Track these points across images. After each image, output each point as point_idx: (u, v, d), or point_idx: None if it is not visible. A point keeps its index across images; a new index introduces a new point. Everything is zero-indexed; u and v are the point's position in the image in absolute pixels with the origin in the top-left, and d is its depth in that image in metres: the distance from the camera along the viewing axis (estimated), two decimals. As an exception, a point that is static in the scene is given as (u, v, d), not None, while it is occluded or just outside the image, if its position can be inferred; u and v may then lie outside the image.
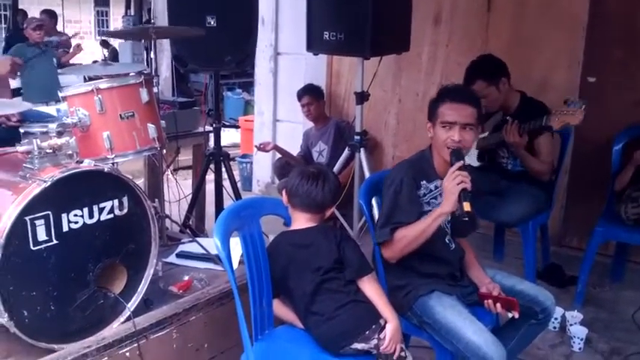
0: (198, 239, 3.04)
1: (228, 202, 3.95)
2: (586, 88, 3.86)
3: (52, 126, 2.25)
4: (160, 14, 6.51)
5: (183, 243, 3.08)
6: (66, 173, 2.12)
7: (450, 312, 2.27)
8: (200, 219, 3.98)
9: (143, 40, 10.70)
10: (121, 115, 2.45)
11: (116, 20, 18.46)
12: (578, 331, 3.04)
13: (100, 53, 10.96)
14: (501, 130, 3.26)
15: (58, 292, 2.16)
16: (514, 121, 3.18)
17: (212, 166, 3.74)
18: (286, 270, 2.25)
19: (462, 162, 2.26)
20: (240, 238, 2.21)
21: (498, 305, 2.31)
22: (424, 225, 2.28)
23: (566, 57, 3.91)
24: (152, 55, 4.32)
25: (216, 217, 3.81)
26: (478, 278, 2.48)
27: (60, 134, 2.24)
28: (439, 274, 2.39)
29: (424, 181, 2.38)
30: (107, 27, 22.25)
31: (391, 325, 2.15)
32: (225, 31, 3.44)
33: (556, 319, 3.13)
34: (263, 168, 5.39)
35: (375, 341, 2.13)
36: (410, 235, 2.29)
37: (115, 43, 11.95)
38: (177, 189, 3.76)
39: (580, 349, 3.02)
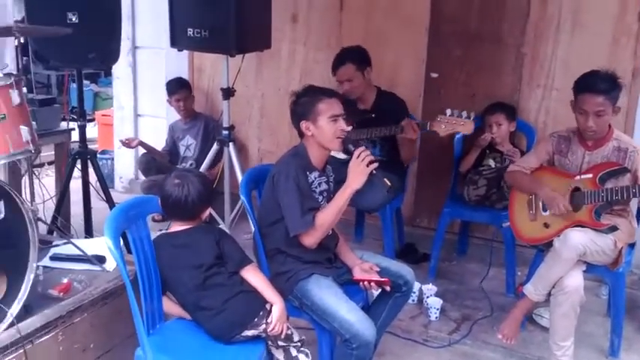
0: (73, 240, 3.00)
1: (94, 201, 3.90)
2: (429, 83, 4.27)
3: None
4: (2, 4, 6.10)
5: (57, 245, 3.02)
6: (-61, 181, 2.05)
7: (326, 293, 2.50)
8: (67, 219, 3.87)
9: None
10: (-9, 118, 2.38)
11: None
12: (434, 302, 3.41)
13: None
14: (367, 126, 3.59)
15: (-64, 303, 2.08)
16: (410, 120, 3.49)
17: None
18: (168, 269, 2.34)
19: (363, 146, 2.52)
20: (129, 237, 2.26)
21: (373, 284, 2.58)
22: (340, 203, 2.51)
23: (412, 55, 4.28)
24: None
25: (85, 216, 3.80)
26: (351, 259, 2.74)
27: None
28: (318, 259, 2.61)
29: (307, 172, 2.58)
30: None
31: (277, 307, 2.32)
32: (87, 27, 3.35)
33: (414, 292, 3.47)
34: (125, 164, 5.32)
35: (263, 326, 2.29)
36: (329, 218, 2.51)
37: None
38: (41, 189, 3.64)
39: (436, 317, 3.40)
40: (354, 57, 3.71)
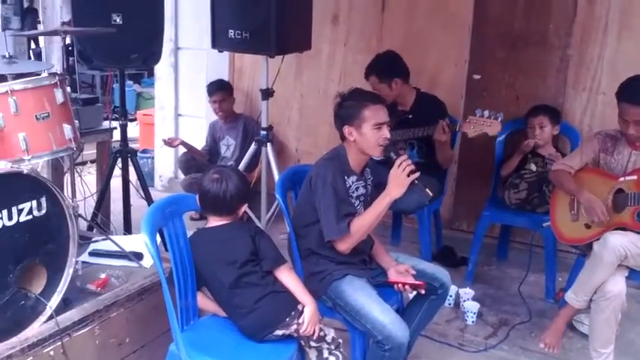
0: (112, 237, 3.06)
1: (134, 199, 3.98)
2: (472, 85, 4.20)
3: (-35, 128, 2.21)
4: (49, 5, 6.28)
5: (96, 241, 3.08)
6: (-15, 176, 2.11)
7: (360, 294, 2.48)
8: (107, 216, 3.95)
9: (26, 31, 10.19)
10: (36, 116, 2.43)
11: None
12: (471, 306, 3.36)
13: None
14: (404, 127, 3.57)
15: (-21, 294, 2.15)
16: (441, 122, 3.45)
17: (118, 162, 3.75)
18: (204, 264, 2.36)
19: (405, 155, 2.48)
20: (165, 234, 2.29)
21: (407, 287, 2.55)
22: (378, 211, 2.49)
23: (454, 56, 4.22)
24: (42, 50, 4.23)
25: (124, 214, 3.88)
26: (385, 261, 2.72)
27: (-26, 137, 2.21)
28: (352, 261, 2.60)
29: (345, 177, 2.57)
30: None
31: (309, 308, 2.31)
32: (131, 28, 3.43)
33: (450, 296, 3.41)
34: (165, 163, 5.40)
35: (294, 326, 2.29)
36: (366, 225, 2.50)
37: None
38: (82, 187, 3.72)
39: (473, 322, 3.35)
40: (378, 69, 3.70)
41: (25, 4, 11.77)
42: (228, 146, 4.71)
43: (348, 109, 2.55)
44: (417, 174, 2.44)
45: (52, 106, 2.50)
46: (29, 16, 11.74)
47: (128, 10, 3.46)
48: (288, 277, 2.36)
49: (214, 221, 2.42)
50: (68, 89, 2.75)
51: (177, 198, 2.48)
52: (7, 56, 2.72)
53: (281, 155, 4.68)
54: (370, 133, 2.51)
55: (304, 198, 2.63)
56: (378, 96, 2.65)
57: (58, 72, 2.64)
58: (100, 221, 3.74)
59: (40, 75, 2.58)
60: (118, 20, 3.43)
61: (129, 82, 9.13)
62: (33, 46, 12.01)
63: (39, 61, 5.45)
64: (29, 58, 9.93)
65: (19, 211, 2.24)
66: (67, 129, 2.54)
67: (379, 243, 2.80)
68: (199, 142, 4.82)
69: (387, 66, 3.70)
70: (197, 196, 2.42)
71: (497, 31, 4.10)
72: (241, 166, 4.14)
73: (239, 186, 2.38)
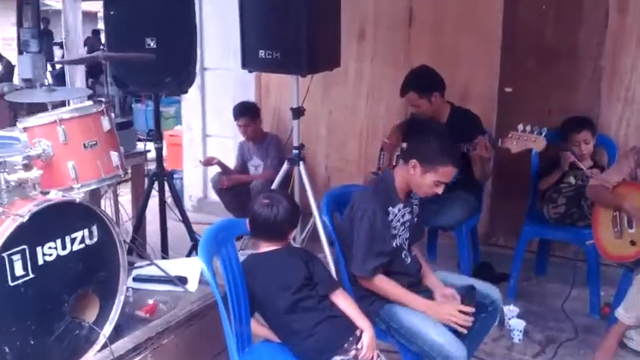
0: (156, 262, 3.04)
1: (170, 221, 3.95)
2: (504, 98, 4.18)
3: (18, 158, 2.21)
4: (72, 28, 6.32)
5: (141, 267, 3.06)
6: (41, 206, 2.10)
7: (414, 316, 2.45)
8: (143, 239, 3.94)
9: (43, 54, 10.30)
10: (84, 144, 2.44)
11: (5, 30, 17.27)
12: (517, 324, 3.31)
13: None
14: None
15: (37, 325, 2.13)
16: (482, 138, 3.39)
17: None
18: (258, 289, 2.33)
19: (473, 306, 2.46)
20: (219, 260, 2.27)
21: None
22: (404, 298, 2.49)
23: (484, 69, 4.20)
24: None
25: (162, 236, 3.86)
26: (433, 284, 2.68)
27: (26, 167, 2.21)
28: (401, 284, 2.56)
29: (390, 207, 2.54)
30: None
31: (367, 334, 2.28)
32: (165, 52, 3.42)
33: (495, 313, 3.37)
34: (195, 184, 5.39)
35: (353, 352, 2.24)
36: (387, 292, 2.51)
37: (7, 54, 11.43)
38: (121, 210, 3.72)
39: (520, 340, 3.29)
40: (416, 85, 3.62)
41: (41, 27, 11.93)
42: (256, 167, 4.70)
43: (431, 149, 2.47)
44: (465, 331, 2.42)
45: (99, 134, 2.50)
46: (45, 38, 11.90)
47: (162, 34, 3.46)
48: (344, 302, 2.33)
49: (265, 247, 2.39)
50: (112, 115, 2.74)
51: (228, 223, 2.47)
52: (47, 84, 2.74)
53: (310, 172, 4.65)
54: (429, 184, 2.48)
55: (348, 222, 2.60)
56: (457, 158, 2.60)
57: (103, 99, 2.63)
58: (138, 244, 3.73)
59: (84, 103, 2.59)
60: (152, 44, 3.43)
61: (149, 102, 9.16)
62: (49, 68, 12.15)
63: (81, 89, 5.37)
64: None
65: (72, 240, 2.24)
66: (114, 156, 2.55)
67: (426, 264, 2.76)
68: (228, 163, 4.81)
69: (425, 80, 3.64)
70: (247, 221, 2.41)
71: (528, 43, 4.09)
72: (274, 186, 4.11)
73: (290, 210, 2.36)
